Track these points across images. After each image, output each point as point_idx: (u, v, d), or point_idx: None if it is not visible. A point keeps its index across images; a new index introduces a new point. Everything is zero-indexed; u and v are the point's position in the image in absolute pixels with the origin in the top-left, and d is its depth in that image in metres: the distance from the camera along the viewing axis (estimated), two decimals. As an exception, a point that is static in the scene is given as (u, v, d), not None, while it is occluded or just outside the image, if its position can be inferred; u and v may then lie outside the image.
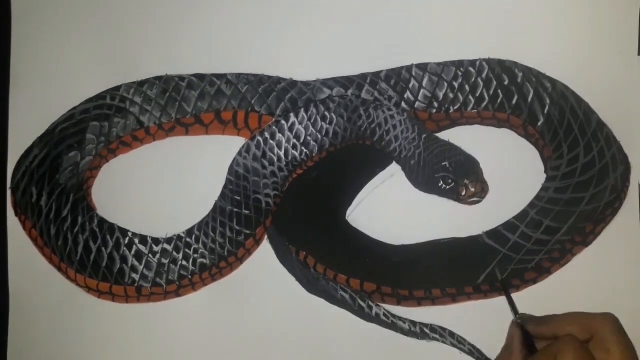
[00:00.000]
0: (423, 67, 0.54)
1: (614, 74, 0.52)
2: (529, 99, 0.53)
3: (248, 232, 0.54)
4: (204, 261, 0.54)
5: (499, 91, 0.53)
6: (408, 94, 0.54)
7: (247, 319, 0.54)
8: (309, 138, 0.54)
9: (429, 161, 0.52)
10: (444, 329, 0.52)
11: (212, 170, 0.55)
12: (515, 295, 0.51)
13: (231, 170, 0.55)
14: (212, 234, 0.54)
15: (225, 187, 0.54)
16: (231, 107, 0.55)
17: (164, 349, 0.54)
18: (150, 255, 0.54)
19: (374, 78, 0.54)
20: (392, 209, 0.54)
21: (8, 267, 0.56)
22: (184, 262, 0.54)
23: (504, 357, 0.47)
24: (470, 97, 0.53)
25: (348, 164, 0.55)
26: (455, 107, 0.54)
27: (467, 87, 0.53)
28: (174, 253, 0.54)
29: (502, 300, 0.51)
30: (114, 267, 0.54)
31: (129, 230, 0.55)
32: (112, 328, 0.55)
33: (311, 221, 0.54)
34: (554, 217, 0.51)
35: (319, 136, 0.54)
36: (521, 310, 0.47)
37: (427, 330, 0.52)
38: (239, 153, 0.55)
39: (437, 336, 0.52)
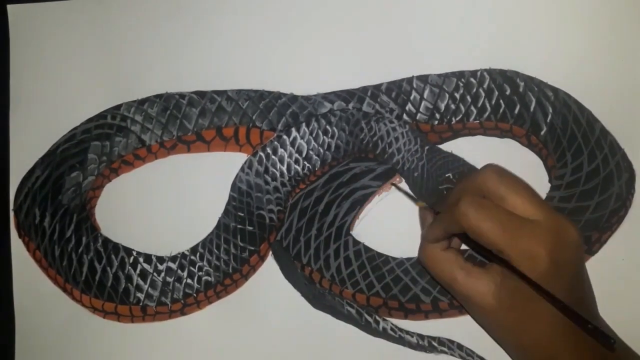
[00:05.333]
0: (424, 78, 0.54)
1: (616, 81, 0.52)
2: (532, 108, 0.52)
3: (252, 248, 0.53)
4: (209, 279, 0.53)
5: (501, 101, 0.53)
6: (409, 106, 0.54)
7: (253, 336, 0.53)
8: (311, 152, 0.54)
9: (432, 173, 0.52)
10: (452, 342, 0.51)
11: (215, 187, 0.55)
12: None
13: (234, 187, 0.54)
14: (216, 251, 0.54)
15: (228, 203, 0.54)
16: (232, 123, 0.55)
17: (170, 369, 0.54)
18: (154, 273, 0.54)
19: (374, 91, 0.54)
20: (396, 222, 0.53)
21: (13, 289, 0.56)
22: (189, 280, 0.53)
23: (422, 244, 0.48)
24: (472, 108, 0.53)
25: (351, 178, 0.55)
26: (457, 118, 0.53)
27: (468, 98, 0.53)
28: (179, 271, 0.54)
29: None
30: (119, 287, 0.54)
31: (133, 249, 0.55)
32: (118, 348, 0.54)
33: (315, 236, 0.54)
34: (560, 226, 0.51)
35: (321, 150, 0.54)
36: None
37: (435, 344, 0.51)
38: (241, 169, 0.55)
39: (445, 349, 0.51)
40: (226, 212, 0.54)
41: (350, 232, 0.53)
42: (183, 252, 0.54)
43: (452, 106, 0.53)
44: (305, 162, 0.54)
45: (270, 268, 0.54)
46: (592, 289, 0.47)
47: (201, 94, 0.56)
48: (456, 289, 0.45)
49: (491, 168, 0.45)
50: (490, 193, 0.43)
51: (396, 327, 0.52)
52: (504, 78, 0.53)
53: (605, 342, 0.41)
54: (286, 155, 0.54)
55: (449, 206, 0.45)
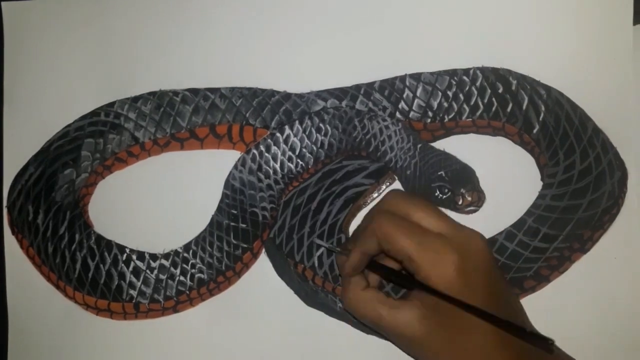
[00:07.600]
0: (417, 76, 0.54)
1: (608, 79, 0.52)
2: (524, 107, 0.53)
3: (245, 245, 0.53)
4: (202, 276, 0.53)
5: (494, 99, 0.53)
6: (402, 104, 0.54)
7: (246, 334, 0.53)
8: (304, 150, 0.54)
9: (425, 171, 0.52)
10: (444, 339, 0.51)
11: (208, 185, 0.55)
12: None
13: (227, 184, 0.54)
14: (209, 248, 0.54)
15: (221, 201, 0.54)
16: (226, 120, 0.55)
17: (163, 366, 0.54)
18: (147, 271, 0.54)
19: (367, 89, 0.54)
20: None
21: (6, 286, 0.56)
22: (182, 278, 0.54)
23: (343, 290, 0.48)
24: (465, 106, 0.53)
25: (344, 175, 0.55)
26: (450, 116, 0.53)
27: (461, 96, 0.53)
28: (172, 268, 0.54)
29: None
30: (112, 284, 0.54)
31: (126, 247, 0.55)
32: (111, 345, 0.54)
33: (308, 234, 0.54)
34: (552, 224, 0.51)
35: (314, 148, 0.54)
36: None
37: (426, 341, 0.51)
38: (235, 167, 0.55)
39: (437, 347, 0.51)
40: (219, 209, 0.54)
41: (344, 229, 0.53)
42: (176, 250, 0.54)
43: (445, 104, 0.53)
44: (299, 160, 0.54)
45: (263, 265, 0.54)
46: (518, 298, 0.49)
47: (195, 91, 0.56)
48: (384, 325, 0.45)
49: (394, 191, 0.48)
50: (397, 212, 0.45)
51: (388, 324, 0.52)
52: (496, 76, 0.53)
53: (543, 344, 0.40)
54: (279, 153, 0.54)
55: (363, 227, 0.47)
